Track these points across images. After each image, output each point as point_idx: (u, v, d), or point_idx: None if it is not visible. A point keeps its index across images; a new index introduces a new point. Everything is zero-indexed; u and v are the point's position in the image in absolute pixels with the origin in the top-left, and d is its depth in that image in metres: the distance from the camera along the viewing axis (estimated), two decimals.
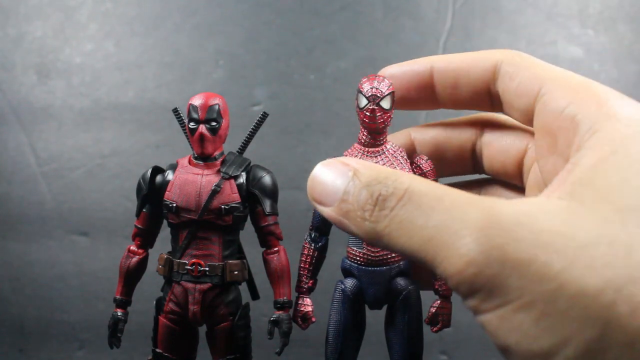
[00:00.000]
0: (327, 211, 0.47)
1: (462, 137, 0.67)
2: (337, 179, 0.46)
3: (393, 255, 0.68)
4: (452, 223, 0.39)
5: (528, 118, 0.55)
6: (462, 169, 0.69)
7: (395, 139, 0.69)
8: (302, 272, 0.72)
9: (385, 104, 0.65)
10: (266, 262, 0.76)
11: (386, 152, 0.68)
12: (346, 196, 0.45)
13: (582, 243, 0.36)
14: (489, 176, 0.68)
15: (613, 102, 0.44)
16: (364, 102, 0.65)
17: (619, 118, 0.42)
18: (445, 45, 1.41)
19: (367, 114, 0.65)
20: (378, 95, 0.64)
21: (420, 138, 0.69)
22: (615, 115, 0.42)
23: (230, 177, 0.74)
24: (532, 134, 0.58)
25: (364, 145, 0.68)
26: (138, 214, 0.78)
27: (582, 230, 0.37)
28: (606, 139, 0.41)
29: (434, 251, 0.40)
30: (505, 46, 1.38)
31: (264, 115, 0.78)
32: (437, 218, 0.40)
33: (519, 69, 0.56)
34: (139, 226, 0.78)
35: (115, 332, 0.76)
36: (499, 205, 0.39)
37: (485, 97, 0.61)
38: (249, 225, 0.77)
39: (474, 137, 0.66)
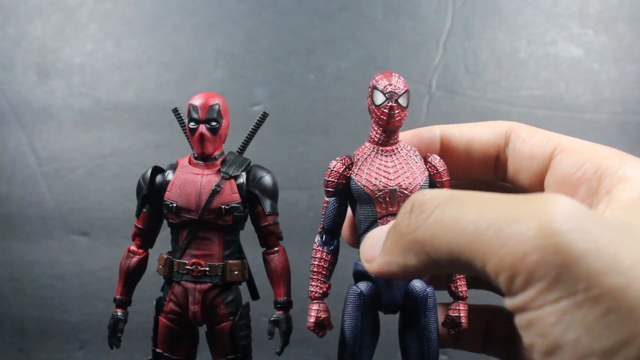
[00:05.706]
0: (375, 264, 0.48)
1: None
2: (381, 235, 0.48)
3: None
4: (511, 212, 0.37)
5: (537, 179, 0.60)
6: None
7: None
8: (316, 276, 0.67)
9: (403, 101, 0.63)
10: (266, 262, 0.76)
11: (401, 151, 0.65)
12: (387, 238, 0.46)
13: None
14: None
15: (632, 158, 0.52)
16: (380, 99, 0.62)
17: None
18: (445, 45, 1.41)
19: (385, 111, 0.62)
20: (397, 92, 0.62)
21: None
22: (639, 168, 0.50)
23: (231, 177, 0.74)
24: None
25: (378, 144, 0.65)
26: (138, 214, 0.78)
27: None
28: (638, 182, 0.48)
29: (488, 243, 0.37)
30: (505, 46, 1.38)
31: (264, 115, 0.78)
32: (493, 210, 0.38)
33: (532, 133, 0.61)
34: (139, 226, 0.78)
35: (115, 332, 0.76)
36: (561, 196, 0.38)
37: (492, 163, 0.64)
38: (249, 225, 0.77)
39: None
